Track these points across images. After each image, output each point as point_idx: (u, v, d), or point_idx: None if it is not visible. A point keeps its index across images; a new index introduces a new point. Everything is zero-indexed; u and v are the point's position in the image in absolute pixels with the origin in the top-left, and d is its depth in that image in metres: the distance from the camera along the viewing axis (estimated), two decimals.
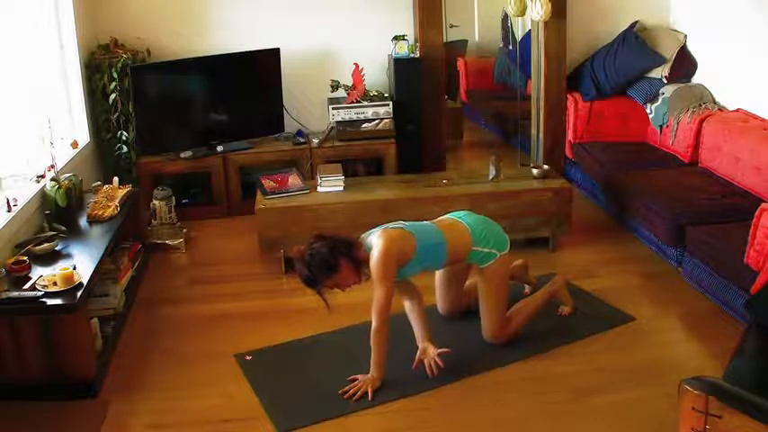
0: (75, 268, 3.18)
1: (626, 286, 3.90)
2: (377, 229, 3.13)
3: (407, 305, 3.20)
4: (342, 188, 4.32)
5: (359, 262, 3.03)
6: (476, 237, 3.21)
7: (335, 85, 5.21)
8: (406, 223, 3.20)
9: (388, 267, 2.99)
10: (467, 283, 3.52)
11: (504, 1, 4.91)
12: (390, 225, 3.16)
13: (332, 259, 2.96)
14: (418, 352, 3.12)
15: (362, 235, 3.13)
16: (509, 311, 3.36)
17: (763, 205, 3.32)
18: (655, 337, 3.41)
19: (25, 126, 3.98)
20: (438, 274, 3.48)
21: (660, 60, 5.15)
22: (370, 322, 3.10)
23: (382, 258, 2.98)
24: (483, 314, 3.31)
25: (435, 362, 3.06)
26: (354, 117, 5.15)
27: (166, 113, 4.98)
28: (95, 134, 5.04)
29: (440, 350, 3.09)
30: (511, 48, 5.91)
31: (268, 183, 4.36)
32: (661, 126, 5.02)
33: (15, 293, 3.00)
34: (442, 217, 3.38)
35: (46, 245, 3.43)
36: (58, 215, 3.80)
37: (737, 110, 4.60)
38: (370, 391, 2.98)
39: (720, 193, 4.13)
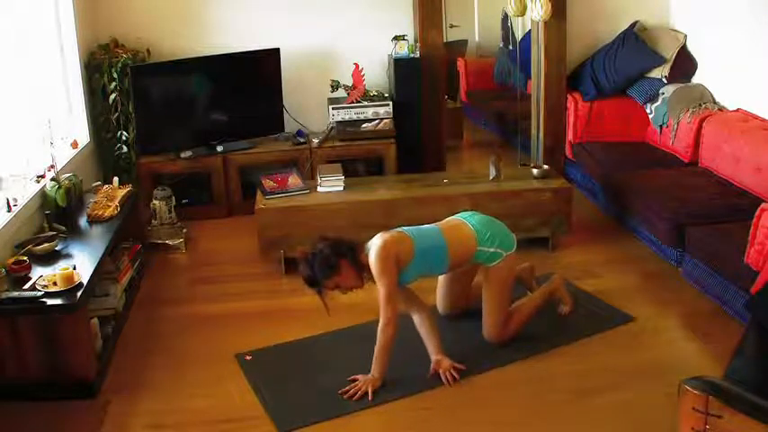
0: (75, 268, 3.18)
1: (626, 286, 3.90)
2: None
3: (416, 319, 3.18)
4: (342, 188, 4.32)
5: (360, 264, 3.04)
6: (480, 237, 3.21)
7: (335, 85, 5.21)
8: (407, 227, 3.21)
9: (385, 265, 3.00)
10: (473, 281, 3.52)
11: (504, 1, 4.91)
12: (392, 231, 3.18)
13: (333, 260, 2.99)
14: (432, 363, 3.11)
15: (368, 242, 3.15)
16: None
17: (763, 205, 3.32)
18: (655, 337, 3.41)
19: (25, 126, 3.98)
20: None
21: (660, 60, 5.15)
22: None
23: (378, 256, 3.00)
24: (485, 314, 3.31)
25: (451, 373, 3.05)
26: (354, 117, 5.15)
27: (166, 113, 4.98)
28: (95, 134, 5.04)
29: (455, 364, 3.08)
30: (511, 48, 5.91)
31: (268, 183, 4.36)
32: (661, 126, 5.02)
33: (15, 293, 3.00)
34: (447, 218, 3.39)
35: (46, 245, 3.44)
36: (57, 215, 3.80)
37: (737, 110, 4.60)
38: (370, 391, 2.98)
39: (720, 193, 4.12)
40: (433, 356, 3.12)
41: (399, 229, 3.19)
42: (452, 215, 3.41)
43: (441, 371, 3.07)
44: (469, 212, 3.40)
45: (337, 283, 3.04)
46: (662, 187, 4.27)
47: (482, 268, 3.30)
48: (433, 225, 3.29)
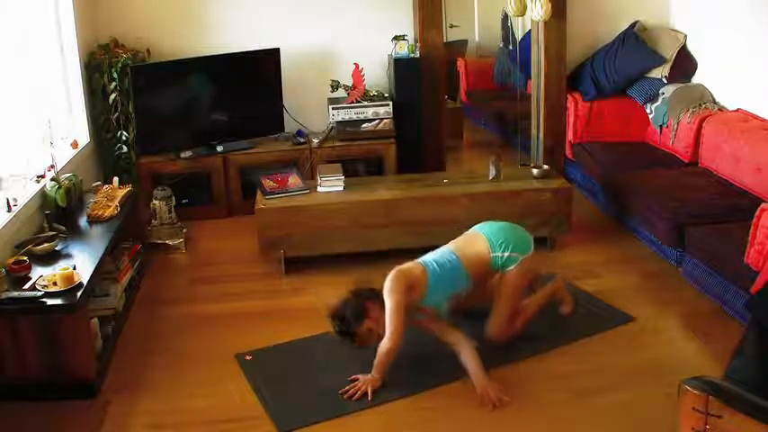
0: (75, 268, 3.18)
1: (626, 286, 3.90)
2: None
3: (462, 356, 3.08)
4: (342, 188, 4.32)
5: (384, 303, 3.08)
6: (493, 244, 3.27)
7: (335, 85, 5.21)
8: (423, 258, 3.27)
9: (394, 286, 3.06)
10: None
11: (504, 1, 4.91)
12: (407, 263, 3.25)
13: (359, 303, 3.06)
14: (479, 390, 2.95)
15: None
16: None
17: (763, 205, 3.32)
18: (655, 337, 3.42)
19: (25, 126, 3.98)
20: None
21: (660, 60, 5.15)
22: None
23: (388, 280, 3.09)
24: (493, 313, 3.32)
25: (494, 401, 2.92)
26: (354, 117, 5.15)
27: (166, 113, 4.97)
28: (95, 134, 5.04)
29: (502, 396, 2.94)
30: (511, 48, 5.91)
31: (268, 183, 4.36)
32: (661, 126, 5.02)
33: (15, 293, 3.00)
34: (465, 233, 3.43)
35: (46, 245, 3.44)
36: (57, 215, 3.80)
37: (737, 110, 4.60)
38: (369, 391, 2.98)
39: (720, 193, 4.12)
40: (482, 381, 2.98)
41: (416, 261, 3.25)
42: (471, 227, 3.46)
43: (484, 395, 2.94)
44: (485, 222, 3.45)
45: (369, 327, 3.07)
46: (662, 187, 4.27)
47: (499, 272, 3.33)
48: (447, 247, 3.34)
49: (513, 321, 3.34)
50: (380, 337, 3.06)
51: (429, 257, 3.27)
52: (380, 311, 3.07)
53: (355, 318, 3.06)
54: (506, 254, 3.25)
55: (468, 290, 3.32)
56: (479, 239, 3.32)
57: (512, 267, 3.26)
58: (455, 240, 3.39)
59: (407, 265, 3.22)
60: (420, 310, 3.15)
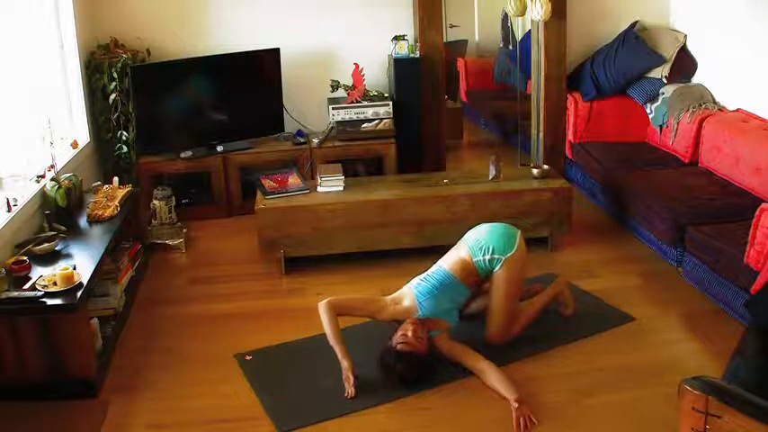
0: (75, 268, 3.18)
1: (626, 286, 3.90)
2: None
3: (486, 380, 3.03)
4: (342, 188, 4.31)
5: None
6: (473, 250, 3.27)
7: (335, 85, 5.21)
8: (413, 280, 3.30)
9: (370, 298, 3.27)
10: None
11: (504, 1, 4.91)
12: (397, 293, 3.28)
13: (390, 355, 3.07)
14: (514, 411, 2.84)
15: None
16: None
17: (763, 205, 3.32)
18: (655, 337, 3.42)
19: (25, 126, 3.98)
20: None
21: (660, 60, 5.15)
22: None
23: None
24: (488, 316, 3.32)
25: (525, 420, 2.81)
26: (354, 117, 5.14)
27: (166, 113, 4.98)
28: (95, 134, 5.03)
29: (531, 416, 2.84)
30: (511, 48, 5.91)
31: (268, 183, 4.36)
32: (661, 126, 5.02)
33: (15, 293, 3.00)
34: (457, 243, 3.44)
35: (46, 245, 3.44)
36: (58, 215, 3.80)
37: (737, 110, 4.60)
38: (351, 382, 2.99)
39: (720, 193, 4.13)
40: (513, 399, 2.89)
41: (406, 285, 3.28)
42: (469, 228, 3.48)
43: (517, 413, 2.84)
44: (476, 226, 3.44)
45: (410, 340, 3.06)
46: (662, 187, 4.27)
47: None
48: (437, 263, 3.35)
49: (512, 324, 3.34)
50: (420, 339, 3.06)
51: (420, 281, 3.26)
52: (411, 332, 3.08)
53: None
54: (487, 257, 3.25)
55: (468, 298, 3.33)
56: (462, 248, 3.33)
57: (498, 269, 3.25)
58: (444, 258, 3.37)
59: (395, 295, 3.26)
60: (433, 326, 3.14)
